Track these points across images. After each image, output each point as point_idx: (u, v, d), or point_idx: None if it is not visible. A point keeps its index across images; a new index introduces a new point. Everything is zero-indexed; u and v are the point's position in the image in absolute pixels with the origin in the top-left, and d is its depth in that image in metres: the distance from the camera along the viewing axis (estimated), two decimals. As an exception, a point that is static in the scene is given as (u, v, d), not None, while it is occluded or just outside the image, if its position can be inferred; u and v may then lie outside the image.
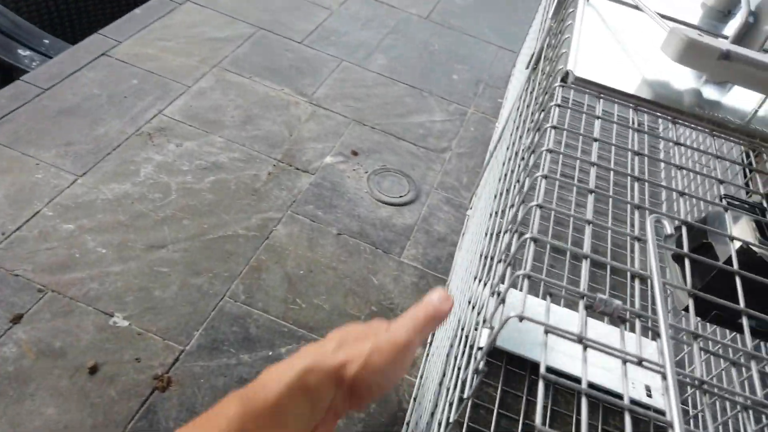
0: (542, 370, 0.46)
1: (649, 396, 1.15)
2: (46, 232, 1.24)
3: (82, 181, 1.36)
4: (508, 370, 1.22)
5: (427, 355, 1.20)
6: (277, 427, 0.31)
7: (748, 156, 1.40)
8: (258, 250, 1.32)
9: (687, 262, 0.60)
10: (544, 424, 1.15)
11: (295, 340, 1.17)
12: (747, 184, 1.29)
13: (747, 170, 1.31)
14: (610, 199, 1.71)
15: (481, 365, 0.56)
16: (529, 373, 1.22)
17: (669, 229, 0.59)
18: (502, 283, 0.65)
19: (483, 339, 0.59)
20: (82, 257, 1.21)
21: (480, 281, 0.87)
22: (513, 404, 1.16)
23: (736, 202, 0.69)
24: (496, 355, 1.23)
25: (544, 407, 1.17)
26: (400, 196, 1.56)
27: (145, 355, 1.09)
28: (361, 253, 1.38)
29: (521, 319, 0.51)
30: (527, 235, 0.57)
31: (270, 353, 1.14)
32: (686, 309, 0.66)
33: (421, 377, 1.16)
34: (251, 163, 1.53)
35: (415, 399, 1.12)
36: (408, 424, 1.08)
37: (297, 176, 1.53)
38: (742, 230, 0.68)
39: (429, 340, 1.23)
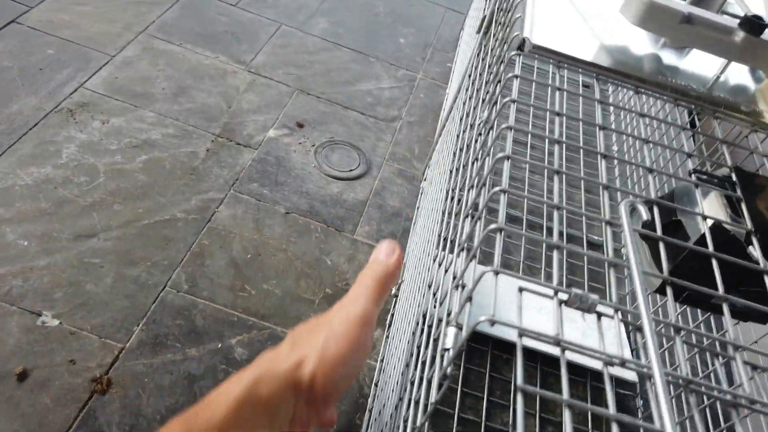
0: (519, 381, 0.42)
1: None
2: (-45, 226, 1.11)
3: (-6, 167, 1.23)
4: (470, 347, 1.19)
5: (387, 337, 1.16)
6: None
7: (693, 123, 1.40)
8: (200, 234, 1.23)
9: (661, 244, 0.57)
10: (508, 397, 1.13)
11: (245, 330, 1.10)
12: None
13: (694, 137, 1.31)
14: (580, 175, 1.69)
15: (449, 370, 0.52)
16: (491, 349, 1.20)
17: (645, 215, 0.55)
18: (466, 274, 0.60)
19: (449, 339, 0.54)
20: (2, 252, 1.09)
21: (440, 265, 0.82)
22: (476, 381, 1.14)
23: (705, 177, 0.66)
24: (455, 332, 1.20)
25: (505, 381, 1.16)
26: (350, 170, 1.49)
27: (80, 356, 1.00)
28: (311, 232, 1.31)
29: (492, 323, 0.47)
30: (494, 225, 0.52)
31: (219, 345, 1.07)
32: (658, 290, 0.63)
33: (382, 360, 1.12)
34: (187, 139, 1.42)
35: (376, 385, 1.08)
36: (371, 411, 1.04)
37: (238, 152, 1.43)
38: (711, 206, 0.65)
39: (388, 322, 1.19)
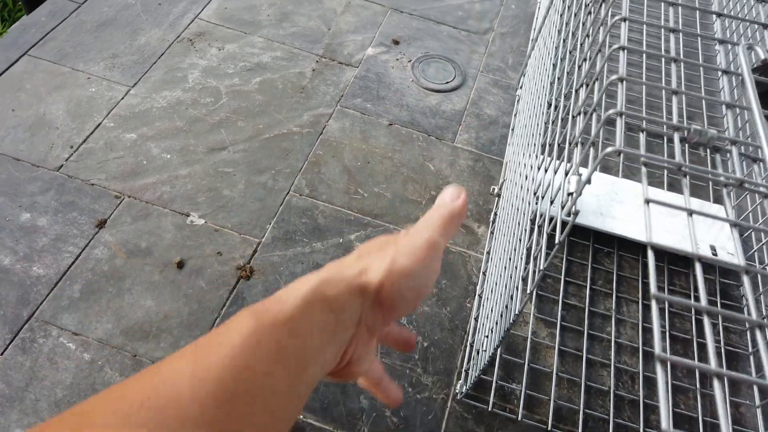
0: (649, 239, 0.47)
1: (715, 255, 1.17)
2: (111, 142, 1.28)
3: (134, 92, 1.38)
4: (571, 241, 1.25)
5: (491, 232, 1.24)
6: (297, 342, 0.27)
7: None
8: (314, 145, 1.35)
9: (778, 93, 0.59)
10: (610, 286, 1.19)
11: (362, 227, 1.22)
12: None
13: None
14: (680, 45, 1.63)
15: (575, 208, 0.58)
16: (592, 243, 1.25)
17: (763, 54, 0.58)
18: (585, 131, 0.65)
19: (572, 185, 0.61)
20: (150, 163, 1.26)
21: (548, 146, 0.87)
22: (578, 272, 1.20)
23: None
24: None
25: (607, 272, 1.21)
26: (447, 82, 1.54)
27: (226, 249, 1.15)
28: (414, 141, 1.39)
29: (619, 153, 0.52)
30: (615, 77, 0.56)
31: (340, 240, 1.19)
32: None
33: (488, 253, 1.20)
34: (294, 60, 1.52)
35: (484, 273, 1.17)
36: (480, 296, 1.13)
37: (341, 70, 1.52)
38: (832, 59, 0.66)
39: (491, 219, 1.26)
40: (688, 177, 0.52)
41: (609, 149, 0.52)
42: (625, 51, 0.60)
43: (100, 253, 1.11)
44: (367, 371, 0.37)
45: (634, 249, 1.24)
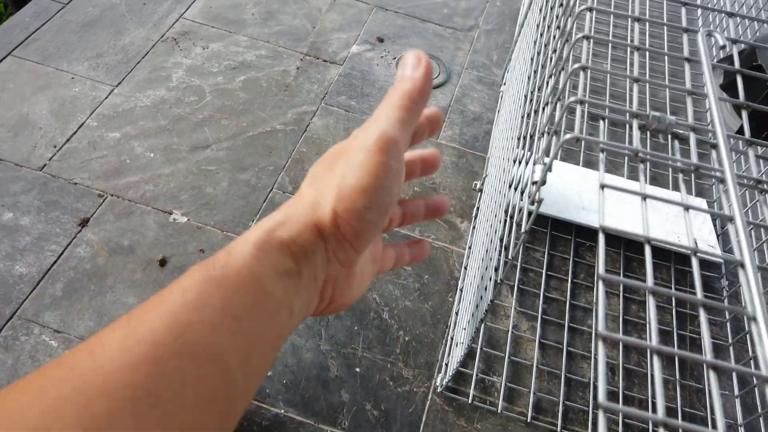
0: (601, 222, 0.48)
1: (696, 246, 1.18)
2: (94, 141, 1.28)
3: (118, 91, 1.39)
4: (553, 236, 1.25)
5: (473, 227, 1.24)
6: (251, 292, 0.24)
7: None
8: (298, 143, 1.35)
9: (739, 80, 0.60)
10: (592, 279, 1.19)
11: (344, 223, 1.22)
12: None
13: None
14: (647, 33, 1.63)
15: (538, 196, 0.59)
16: (574, 237, 1.25)
17: (722, 41, 0.58)
18: (553, 116, 0.65)
19: (537, 174, 0.61)
20: (133, 162, 1.26)
21: (524, 139, 0.88)
22: (560, 266, 1.21)
23: (790, 20, 0.67)
24: (541, 221, 1.26)
25: (589, 266, 1.22)
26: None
27: (208, 246, 1.15)
28: (398, 137, 1.39)
29: (578, 140, 0.53)
30: (577, 65, 0.57)
31: (322, 236, 1.19)
32: (739, 131, 0.67)
33: (469, 248, 1.20)
34: (278, 59, 1.52)
35: (465, 268, 1.17)
36: (461, 290, 1.14)
37: (325, 68, 1.52)
38: (795, 47, 0.66)
39: (474, 214, 1.27)
40: (647, 164, 0.53)
41: (568, 136, 0.53)
42: (590, 40, 0.61)
43: (82, 252, 1.12)
44: (365, 290, 0.34)
45: (615, 243, 1.25)
